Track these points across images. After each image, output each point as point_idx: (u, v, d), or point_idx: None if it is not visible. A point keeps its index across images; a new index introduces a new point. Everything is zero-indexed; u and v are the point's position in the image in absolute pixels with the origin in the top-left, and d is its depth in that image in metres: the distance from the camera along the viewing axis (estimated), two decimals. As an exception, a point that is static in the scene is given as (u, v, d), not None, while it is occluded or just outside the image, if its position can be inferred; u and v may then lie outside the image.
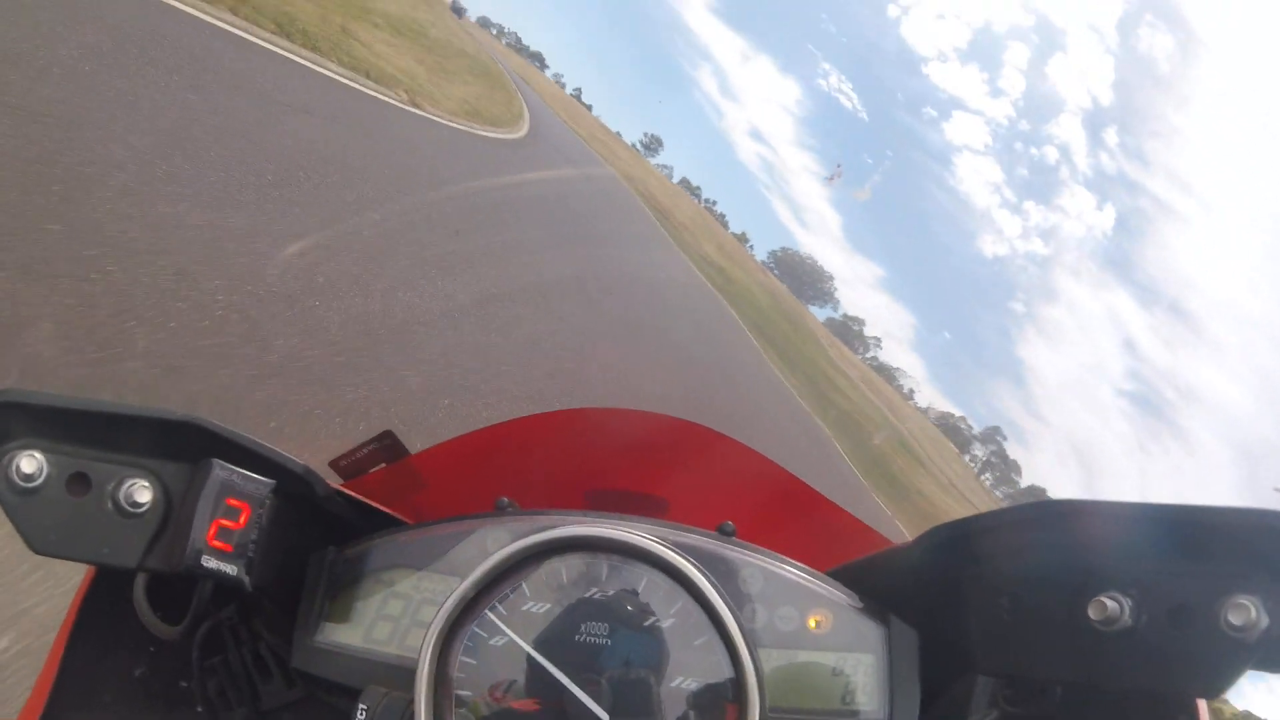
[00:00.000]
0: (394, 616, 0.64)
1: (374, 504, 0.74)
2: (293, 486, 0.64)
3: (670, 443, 0.89)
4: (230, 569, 0.58)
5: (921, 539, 0.61)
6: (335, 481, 0.78)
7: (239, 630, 0.71)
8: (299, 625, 0.67)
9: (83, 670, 0.66)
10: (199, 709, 0.69)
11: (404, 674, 0.59)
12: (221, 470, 0.58)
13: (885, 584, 0.64)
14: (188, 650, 0.69)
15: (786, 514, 0.89)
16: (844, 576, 0.64)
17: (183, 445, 0.58)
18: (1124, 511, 0.49)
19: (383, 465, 0.83)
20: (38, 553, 0.54)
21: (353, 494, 0.72)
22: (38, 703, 0.63)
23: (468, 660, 0.59)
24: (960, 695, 0.61)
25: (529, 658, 0.58)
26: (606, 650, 0.58)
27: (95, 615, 0.67)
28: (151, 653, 0.70)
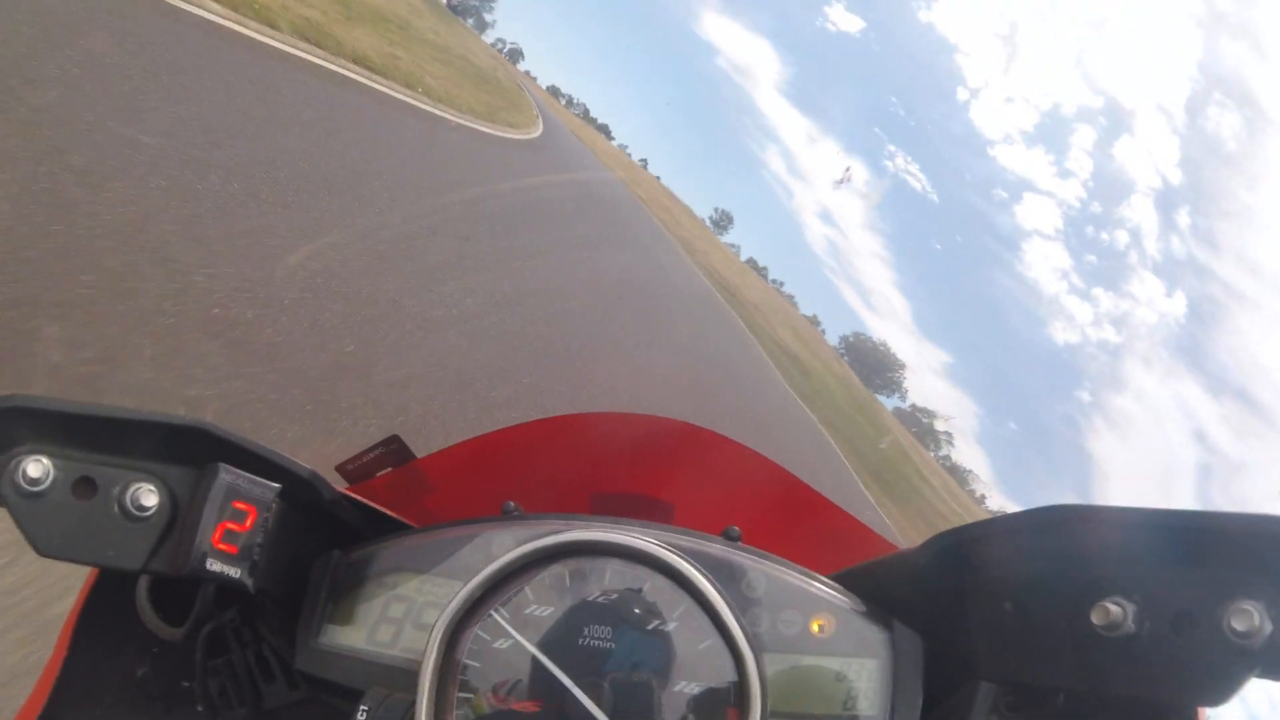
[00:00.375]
0: (397, 619, 0.64)
1: (380, 508, 0.73)
2: (299, 490, 0.64)
3: (676, 447, 0.89)
4: (233, 571, 0.58)
5: (926, 545, 0.61)
6: (341, 485, 0.77)
7: (242, 632, 0.70)
8: (302, 627, 0.66)
9: (84, 670, 0.66)
10: (200, 709, 0.69)
11: (407, 675, 0.59)
12: (227, 474, 0.58)
13: (889, 589, 0.63)
14: (190, 651, 0.69)
15: (792, 518, 0.88)
16: (848, 581, 0.64)
17: (189, 450, 0.58)
18: (1128, 517, 0.49)
19: (389, 470, 0.83)
20: (42, 555, 0.53)
21: (359, 498, 0.72)
22: (37, 702, 0.63)
23: (470, 662, 0.59)
24: (961, 702, 0.60)
25: (531, 660, 0.58)
26: (609, 653, 0.57)
27: (98, 616, 0.67)
28: (154, 653, 0.70)
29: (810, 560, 0.65)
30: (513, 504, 0.68)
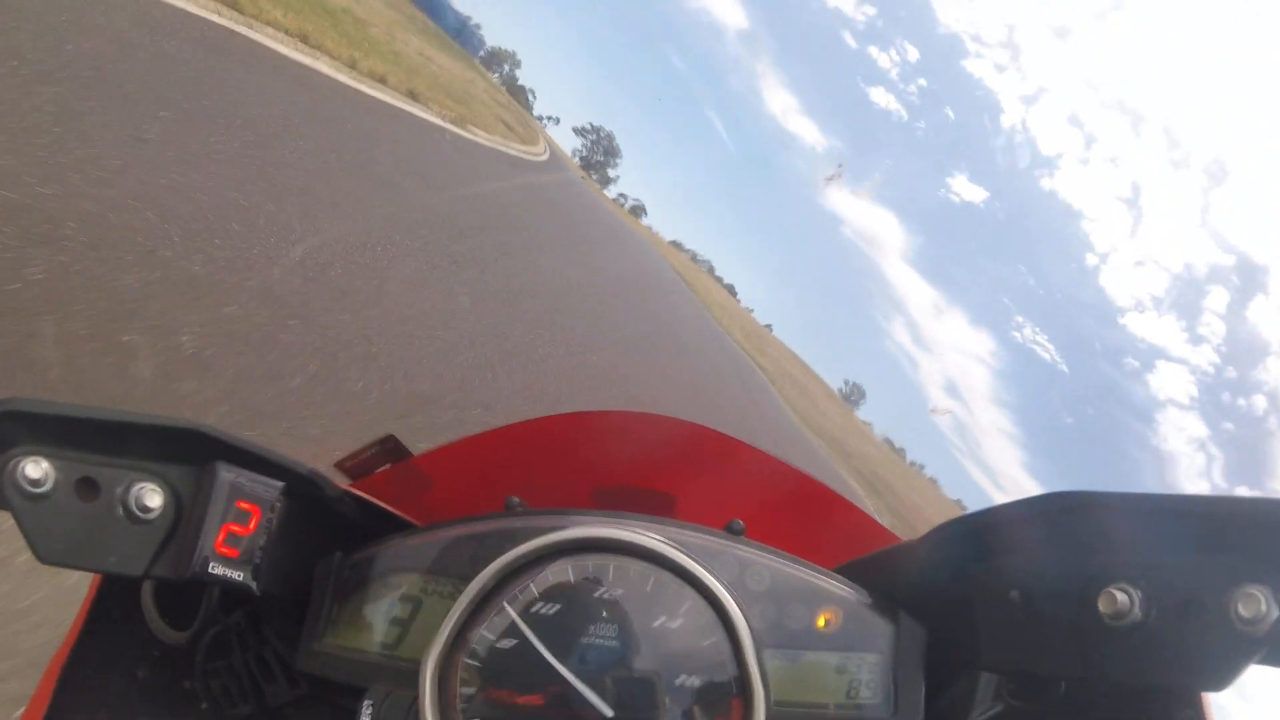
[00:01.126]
0: (402, 619, 0.64)
1: (383, 504, 0.73)
2: (301, 489, 0.63)
3: (678, 446, 0.88)
4: (237, 575, 0.58)
5: (931, 535, 0.61)
6: (343, 483, 0.77)
7: (247, 635, 0.70)
8: (306, 629, 0.66)
9: (87, 672, 0.66)
10: (203, 706, 0.70)
11: (410, 676, 0.59)
12: (229, 472, 0.58)
13: (894, 580, 0.63)
14: (194, 654, 0.69)
15: (797, 511, 0.87)
16: (853, 572, 0.63)
17: (187, 453, 0.58)
18: (1133, 503, 0.48)
19: (387, 467, 0.83)
20: (44, 562, 0.53)
21: (362, 494, 0.72)
22: (40, 705, 0.63)
23: (473, 661, 0.59)
24: (964, 691, 0.61)
25: (535, 656, 0.58)
26: (613, 649, 0.58)
27: (103, 619, 0.67)
28: (157, 656, 0.70)
29: (815, 553, 0.64)
30: (517, 500, 0.68)
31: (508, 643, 0.59)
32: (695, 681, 0.57)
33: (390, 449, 0.83)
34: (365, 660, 0.63)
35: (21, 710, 0.64)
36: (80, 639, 0.66)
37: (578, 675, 0.57)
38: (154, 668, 0.70)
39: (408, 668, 0.60)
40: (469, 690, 0.58)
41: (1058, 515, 0.53)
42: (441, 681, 0.58)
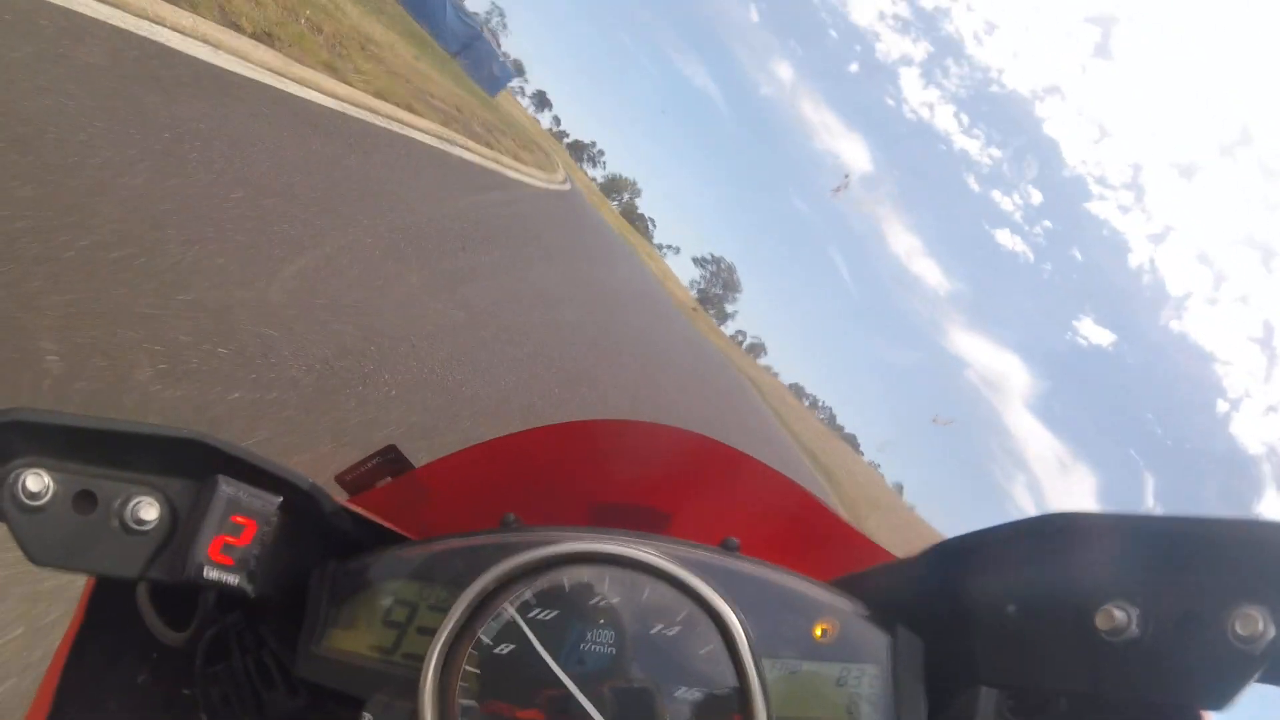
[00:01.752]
0: (399, 623, 0.64)
1: (379, 520, 0.73)
2: (299, 502, 0.64)
3: (675, 455, 0.88)
4: (232, 579, 0.58)
5: (927, 552, 0.61)
6: (341, 496, 0.78)
7: (245, 637, 0.70)
8: (303, 633, 0.66)
9: (86, 677, 0.66)
10: (201, 716, 0.69)
11: (408, 684, 0.59)
12: (227, 486, 0.58)
13: (891, 595, 0.63)
14: (192, 657, 0.69)
15: (793, 527, 0.87)
16: (848, 587, 0.63)
17: (190, 462, 0.58)
18: (1130, 524, 0.49)
19: (388, 479, 0.84)
20: (38, 564, 0.53)
21: (358, 510, 0.72)
22: (41, 709, 0.63)
23: (471, 669, 0.58)
24: (964, 707, 0.60)
25: (533, 667, 0.57)
26: (611, 659, 0.57)
27: (99, 622, 0.67)
28: (155, 659, 0.70)
29: (810, 568, 0.64)
30: (512, 516, 0.69)
31: (505, 647, 0.58)
32: (694, 694, 0.56)
33: (391, 460, 0.84)
34: (363, 666, 0.63)
35: (23, 715, 0.64)
36: (77, 643, 0.66)
37: (575, 681, 0.56)
38: (154, 673, 0.70)
39: (406, 674, 0.60)
40: (468, 702, 0.57)
41: (1055, 535, 0.53)
42: (440, 693, 0.58)
